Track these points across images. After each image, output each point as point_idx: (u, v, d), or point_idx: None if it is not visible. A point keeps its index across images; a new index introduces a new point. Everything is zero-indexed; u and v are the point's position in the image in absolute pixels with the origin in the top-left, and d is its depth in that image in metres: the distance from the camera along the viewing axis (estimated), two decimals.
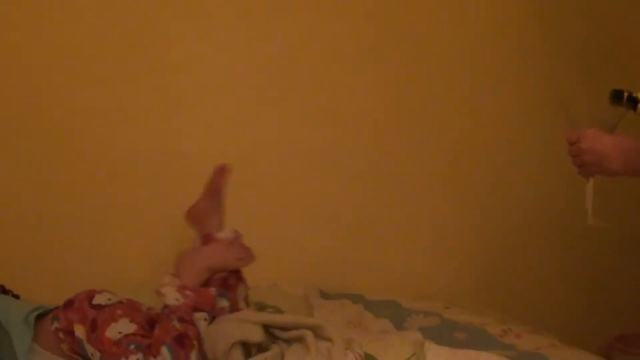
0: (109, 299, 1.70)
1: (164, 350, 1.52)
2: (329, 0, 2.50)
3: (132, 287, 2.01)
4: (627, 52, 2.71)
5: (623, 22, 2.71)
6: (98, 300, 1.68)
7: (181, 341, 1.55)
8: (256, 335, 1.56)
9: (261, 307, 2.02)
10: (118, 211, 2.38)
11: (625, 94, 1.61)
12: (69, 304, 1.68)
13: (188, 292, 1.69)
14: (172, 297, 1.67)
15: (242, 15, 2.44)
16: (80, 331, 1.62)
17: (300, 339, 1.57)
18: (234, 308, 1.78)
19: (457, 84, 2.59)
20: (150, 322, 1.67)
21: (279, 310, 2.02)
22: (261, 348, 1.59)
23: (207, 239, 1.93)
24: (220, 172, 1.95)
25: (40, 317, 1.74)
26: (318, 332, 1.58)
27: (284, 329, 1.62)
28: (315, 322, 1.60)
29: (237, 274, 1.86)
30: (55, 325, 1.66)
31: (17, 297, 1.92)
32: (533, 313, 2.52)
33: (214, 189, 1.95)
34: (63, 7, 2.32)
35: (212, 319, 1.68)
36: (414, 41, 2.56)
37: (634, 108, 1.61)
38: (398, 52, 2.55)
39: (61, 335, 1.65)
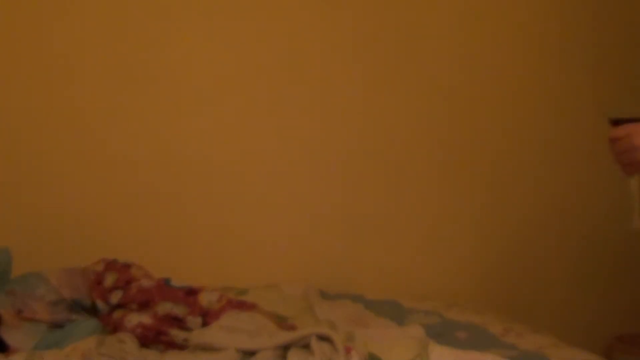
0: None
1: None
2: (328, 2, 2.50)
3: None
4: None
5: None
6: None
7: None
8: None
9: None
10: (117, 210, 2.38)
11: None
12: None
13: None
14: None
15: (242, 16, 2.44)
16: None
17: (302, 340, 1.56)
18: None
19: (456, 83, 2.59)
20: None
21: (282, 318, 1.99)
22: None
23: None
24: None
25: None
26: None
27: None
28: (303, 333, 1.56)
29: None
30: None
31: None
32: (533, 313, 2.53)
33: None
34: (63, 7, 2.32)
35: None
36: (413, 42, 2.56)
37: None
38: (398, 53, 2.55)
39: None
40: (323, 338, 1.53)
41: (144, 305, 1.80)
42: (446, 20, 2.58)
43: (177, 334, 1.71)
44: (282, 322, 1.84)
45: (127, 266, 1.96)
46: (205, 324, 1.76)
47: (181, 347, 1.69)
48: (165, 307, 1.79)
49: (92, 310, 1.89)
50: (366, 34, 2.53)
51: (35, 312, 1.80)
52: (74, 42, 2.34)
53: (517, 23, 2.62)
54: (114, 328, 1.77)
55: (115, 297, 1.85)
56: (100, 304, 1.87)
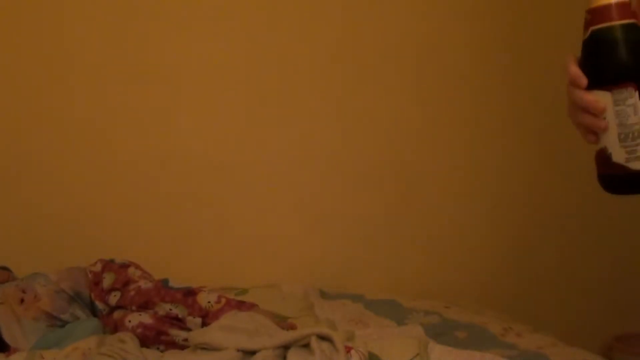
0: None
1: None
2: (330, 1, 2.50)
3: None
4: None
5: None
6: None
7: None
8: None
9: None
10: (117, 210, 2.38)
11: None
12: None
13: None
14: None
15: (243, 16, 2.44)
16: None
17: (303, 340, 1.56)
18: None
19: (459, 84, 2.59)
20: None
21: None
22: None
23: None
24: None
25: None
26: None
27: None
28: (302, 333, 1.56)
29: None
30: None
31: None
32: (533, 313, 2.52)
33: None
34: (64, 7, 2.32)
35: None
36: (414, 43, 2.55)
37: None
38: (399, 53, 2.55)
39: None
40: (323, 338, 1.53)
41: (143, 307, 1.80)
42: (453, 24, 2.57)
43: (177, 334, 1.71)
44: (282, 322, 1.84)
45: (124, 266, 1.96)
46: (204, 324, 1.76)
47: (182, 347, 1.69)
48: (165, 308, 1.79)
49: (92, 307, 1.89)
50: (373, 37, 2.52)
51: (38, 297, 1.81)
52: (73, 42, 2.34)
53: (514, 22, 2.63)
54: (115, 328, 1.77)
55: (114, 299, 1.85)
56: (99, 305, 1.88)
